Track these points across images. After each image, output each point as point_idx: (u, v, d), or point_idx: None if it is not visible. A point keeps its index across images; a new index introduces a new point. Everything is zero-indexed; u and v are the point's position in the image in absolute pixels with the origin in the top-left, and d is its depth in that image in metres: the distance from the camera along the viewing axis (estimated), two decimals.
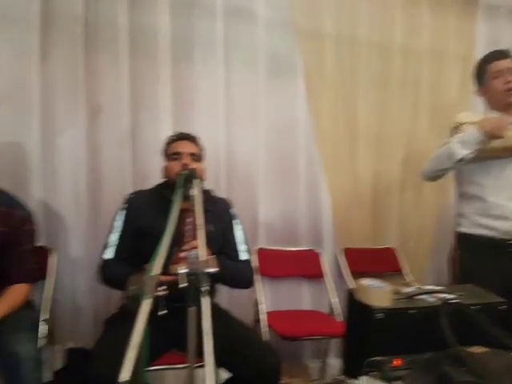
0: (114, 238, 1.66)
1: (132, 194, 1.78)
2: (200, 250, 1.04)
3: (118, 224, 1.68)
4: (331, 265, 2.56)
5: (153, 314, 0.87)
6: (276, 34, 2.44)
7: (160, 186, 1.78)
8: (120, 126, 2.17)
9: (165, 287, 0.96)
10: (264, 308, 2.21)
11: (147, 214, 1.67)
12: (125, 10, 2.16)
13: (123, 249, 1.65)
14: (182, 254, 1.31)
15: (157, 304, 0.93)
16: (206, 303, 0.94)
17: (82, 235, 2.17)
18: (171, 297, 1.03)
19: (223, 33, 2.34)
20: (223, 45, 2.34)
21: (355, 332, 1.19)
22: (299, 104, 2.51)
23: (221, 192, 2.13)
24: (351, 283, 2.44)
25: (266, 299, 2.27)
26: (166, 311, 0.95)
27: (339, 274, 2.55)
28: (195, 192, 1.29)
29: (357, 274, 2.43)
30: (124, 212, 1.70)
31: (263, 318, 2.16)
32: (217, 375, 1.93)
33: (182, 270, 0.98)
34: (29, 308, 1.66)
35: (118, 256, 1.65)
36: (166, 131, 2.15)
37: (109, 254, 1.65)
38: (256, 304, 2.24)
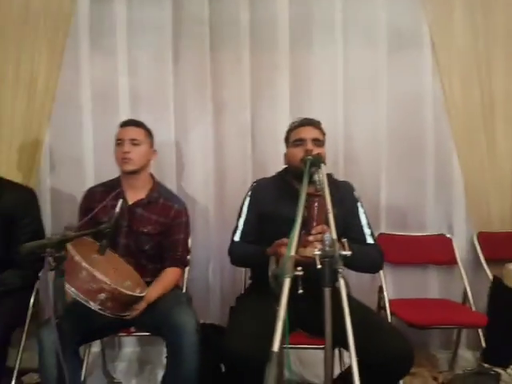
0: (241, 222, 1.79)
1: (256, 181, 1.87)
2: (332, 233, 1.06)
3: (244, 210, 1.80)
4: (462, 250, 2.36)
5: (292, 292, 0.92)
6: (397, 6, 2.32)
7: (282, 172, 1.85)
8: (241, 118, 2.31)
9: (301, 268, 1.01)
10: (387, 295, 2.14)
11: (270, 200, 1.75)
12: (246, 6, 2.27)
13: (249, 233, 1.77)
14: (310, 238, 1.33)
15: (295, 284, 0.98)
16: (343, 284, 0.96)
17: (210, 220, 2.37)
18: (303, 278, 1.07)
19: (341, 11, 2.31)
20: (341, 24, 2.32)
21: (503, 320, 1.10)
22: (426, 78, 2.35)
23: (339, 176, 2.11)
24: (489, 270, 2.22)
25: (387, 286, 2.19)
26: (302, 290, 1.00)
27: (473, 261, 2.35)
28: (321, 177, 1.31)
29: (494, 261, 2.23)
30: (248, 199, 1.81)
31: (388, 304, 2.09)
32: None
33: (317, 252, 1.02)
34: (178, 288, 1.88)
35: (245, 239, 1.76)
36: (284, 119, 2.22)
37: (237, 236, 1.77)
38: (380, 290, 2.18)
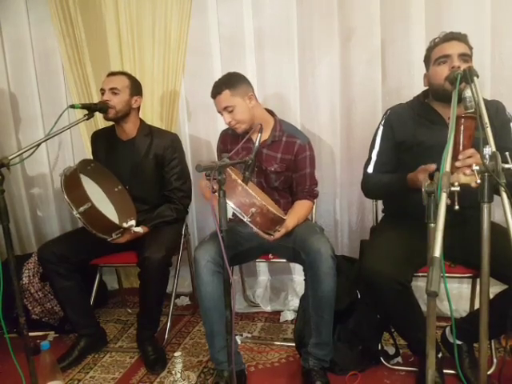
0: (374, 153, 1.75)
1: (390, 109, 1.79)
2: (492, 146, 0.99)
3: (378, 140, 1.75)
4: None
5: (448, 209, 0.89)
6: None
7: (420, 96, 1.73)
8: (370, 44, 2.16)
9: (457, 184, 0.97)
10: None
11: (407, 128, 1.68)
12: None
13: (383, 164, 1.72)
14: (457, 164, 1.24)
15: (451, 200, 0.95)
16: (506, 199, 0.90)
17: (336, 156, 2.34)
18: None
19: None
20: None
21: None
22: None
23: (486, 97, 1.87)
24: None
25: None
26: (458, 207, 0.96)
27: None
28: (474, 92, 1.19)
29: None
30: (382, 128, 1.74)
31: None
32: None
33: (476, 167, 0.97)
34: (309, 220, 1.96)
35: (379, 171, 1.73)
36: (419, 43, 2.03)
37: (370, 168, 1.75)
38: None
